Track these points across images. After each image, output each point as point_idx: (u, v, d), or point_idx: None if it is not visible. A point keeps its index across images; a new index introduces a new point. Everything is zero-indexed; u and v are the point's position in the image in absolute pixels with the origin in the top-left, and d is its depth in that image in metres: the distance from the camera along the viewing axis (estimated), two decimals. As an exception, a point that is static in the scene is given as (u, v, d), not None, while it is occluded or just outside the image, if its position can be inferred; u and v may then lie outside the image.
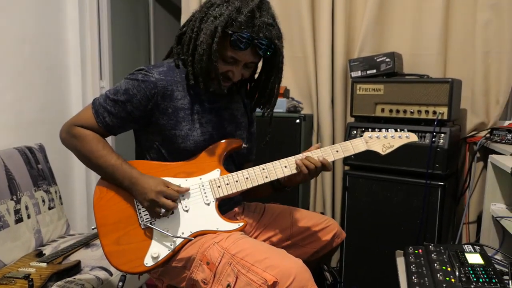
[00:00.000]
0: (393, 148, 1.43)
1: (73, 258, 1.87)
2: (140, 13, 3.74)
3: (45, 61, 2.46)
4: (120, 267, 1.33)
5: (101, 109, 1.37)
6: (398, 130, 1.45)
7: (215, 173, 1.41)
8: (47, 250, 1.95)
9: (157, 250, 1.32)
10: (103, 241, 1.35)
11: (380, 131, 1.44)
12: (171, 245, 1.33)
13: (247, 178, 1.39)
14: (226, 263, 1.24)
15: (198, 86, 1.36)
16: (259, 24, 1.28)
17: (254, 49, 1.31)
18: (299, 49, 2.60)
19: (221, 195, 1.39)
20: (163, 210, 1.31)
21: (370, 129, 1.46)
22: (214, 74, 1.33)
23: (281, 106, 2.38)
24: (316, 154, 1.40)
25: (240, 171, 1.40)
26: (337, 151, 1.41)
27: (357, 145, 1.42)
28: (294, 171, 1.40)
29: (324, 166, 1.38)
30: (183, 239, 1.33)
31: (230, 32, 1.27)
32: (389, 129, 1.45)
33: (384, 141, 1.43)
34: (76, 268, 1.78)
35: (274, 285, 1.16)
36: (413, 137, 1.44)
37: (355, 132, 2.18)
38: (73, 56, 2.66)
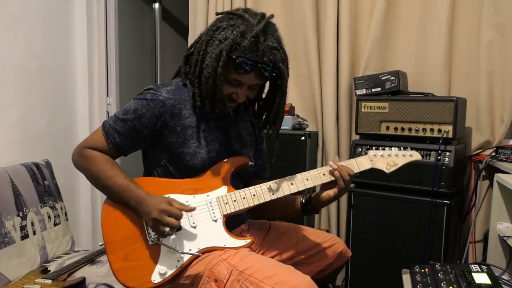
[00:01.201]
0: (397, 167, 1.44)
1: (78, 274, 1.86)
2: (147, 31, 3.79)
3: (53, 77, 2.49)
4: (127, 283, 1.33)
5: (111, 130, 1.39)
6: (402, 148, 1.46)
7: (223, 190, 1.42)
8: (52, 267, 1.95)
9: (165, 267, 1.32)
10: (111, 258, 1.35)
11: (384, 149, 1.46)
12: (178, 261, 1.33)
13: (254, 195, 1.40)
14: (234, 280, 1.24)
15: (205, 107, 1.37)
16: (263, 48, 1.29)
17: (258, 72, 1.32)
18: (304, 67, 2.63)
19: (229, 211, 1.39)
20: (167, 229, 1.30)
21: (374, 147, 1.47)
22: (219, 96, 1.34)
23: (286, 123, 2.39)
24: (321, 171, 1.41)
25: (247, 188, 1.41)
26: None
27: (362, 163, 1.44)
28: (302, 188, 1.41)
29: (349, 176, 1.39)
30: (190, 256, 1.34)
31: (234, 56, 1.29)
32: (392, 148, 1.46)
33: (388, 159, 1.44)
34: (81, 285, 1.77)
35: None
36: (417, 156, 1.45)
37: (360, 149, 2.19)
38: (80, 72, 2.69)
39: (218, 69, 1.29)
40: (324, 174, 1.42)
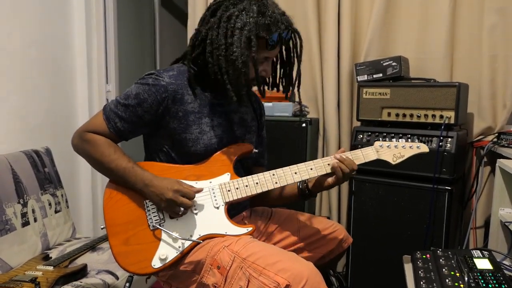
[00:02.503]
0: (404, 158, 1.45)
1: (80, 261, 1.87)
2: (146, 18, 3.75)
3: (52, 65, 2.47)
4: (128, 267, 1.33)
5: (112, 114, 1.38)
6: (409, 140, 1.46)
7: (225, 177, 1.41)
8: (54, 254, 1.95)
9: (165, 252, 1.33)
10: (112, 242, 1.35)
11: (390, 140, 1.45)
12: (179, 247, 1.33)
13: (257, 183, 1.40)
14: (237, 267, 1.24)
15: (241, 102, 1.37)
16: (279, 18, 1.33)
17: (280, 42, 1.37)
18: (305, 53, 2.54)
19: (231, 199, 1.39)
20: (182, 209, 1.32)
21: (380, 138, 1.47)
22: (251, 80, 1.37)
23: (287, 109, 2.38)
24: (326, 161, 1.41)
25: (250, 176, 1.41)
26: None
27: (368, 154, 1.44)
28: (305, 178, 1.41)
29: (352, 168, 1.40)
30: (191, 242, 1.34)
31: (264, 36, 1.31)
32: (399, 139, 1.46)
33: (394, 151, 1.44)
34: (82, 271, 1.78)
35: None
36: (424, 148, 1.45)
37: (361, 136, 2.18)
38: (79, 60, 2.67)
39: (253, 55, 1.30)
40: (329, 164, 1.42)
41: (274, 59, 1.50)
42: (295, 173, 1.41)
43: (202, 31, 1.38)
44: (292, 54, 1.47)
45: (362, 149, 1.44)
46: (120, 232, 1.36)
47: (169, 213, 1.36)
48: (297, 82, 1.51)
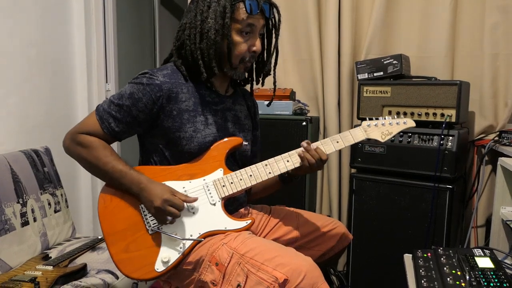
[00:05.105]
0: (392, 135, 1.44)
1: (79, 261, 1.86)
2: (145, 17, 3.75)
3: (51, 64, 2.46)
4: (131, 274, 1.32)
5: (105, 115, 1.36)
6: (396, 116, 1.45)
7: (219, 173, 1.40)
8: (53, 253, 1.95)
9: (167, 255, 1.31)
10: (112, 250, 1.34)
11: (377, 119, 1.45)
12: (180, 248, 1.32)
13: (250, 175, 1.39)
14: (235, 263, 1.23)
15: (211, 74, 1.37)
16: None
17: (262, 13, 1.35)
18: (306, 52, 2.59)
19: (226, 194, 1.38)
20: (169, 218, 1.30)
21: (367, 118, 1.46)
22: (238, 60, 1.37)
23: (287, 108, 2.37)
24: (316, 145, 1.41)
25: (243, 169, 1.40)
26: (337, 142, 1.43)
27: (356, 134, 1.43)
28: (297, 165, 1.40)
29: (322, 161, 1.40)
30: (192, 241, 1.33)
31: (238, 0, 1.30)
32: (386, 117, 1.46)
33: (382, 129, 1.44)
34: (82, 271, 1.77)
35: (285, 283, 1.16)
36: (411, 123, 1.45)
37: (362, 134, 2.17)
38: (79, 59, 2.66)
39: (226, 21, 1.30)
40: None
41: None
42: (287, 161, 1.40)
43: (183, 21, 1.40)
44: (271, 36, 1.46)
45: (350, 130, 1.44)
46: (119, 240, 1.34)
47: (157, 221, 1.34)
48: (273, 60, 1.48)
